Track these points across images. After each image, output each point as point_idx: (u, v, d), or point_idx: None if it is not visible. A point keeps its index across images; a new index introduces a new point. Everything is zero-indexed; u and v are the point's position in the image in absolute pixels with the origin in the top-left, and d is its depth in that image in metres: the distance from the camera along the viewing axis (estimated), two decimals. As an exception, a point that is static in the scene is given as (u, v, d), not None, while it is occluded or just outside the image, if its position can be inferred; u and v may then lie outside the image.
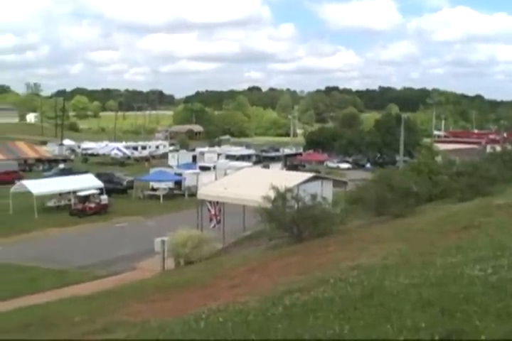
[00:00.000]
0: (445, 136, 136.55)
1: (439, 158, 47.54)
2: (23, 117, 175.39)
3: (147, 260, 31.13)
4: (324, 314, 8.22)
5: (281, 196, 24.84)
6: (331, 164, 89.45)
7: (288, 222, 23.96)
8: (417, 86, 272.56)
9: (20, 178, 57.32)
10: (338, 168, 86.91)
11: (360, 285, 10.06)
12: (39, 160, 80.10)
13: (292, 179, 31.75)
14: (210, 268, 22.28)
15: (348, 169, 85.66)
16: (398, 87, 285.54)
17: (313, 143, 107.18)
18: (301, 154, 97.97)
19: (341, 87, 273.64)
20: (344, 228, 24.79)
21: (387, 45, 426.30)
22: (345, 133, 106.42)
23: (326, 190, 32.74)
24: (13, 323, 17.37)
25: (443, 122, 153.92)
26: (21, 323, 16.69)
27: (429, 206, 31.22)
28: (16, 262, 31.85)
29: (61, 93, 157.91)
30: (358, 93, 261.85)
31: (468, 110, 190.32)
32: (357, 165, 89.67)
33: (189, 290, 16.45)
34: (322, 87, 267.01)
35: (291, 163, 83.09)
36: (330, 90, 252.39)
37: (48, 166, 76.80)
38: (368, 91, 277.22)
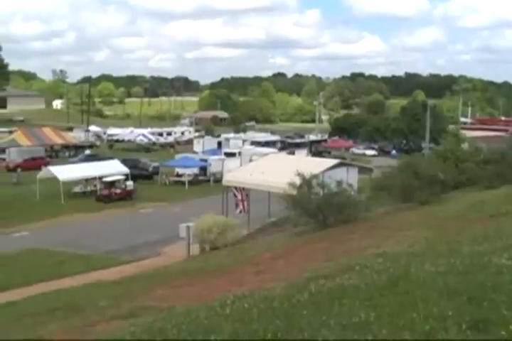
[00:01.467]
0: (472, 123, 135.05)
1: (465, 145, 47.09)
2: (49, 104, 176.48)
3: (172, 246, 31.29)
4: (350, 301, 8.19)
5: (307, 182, 24.79)
6: (356, 151, 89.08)
7: (313, 209, 23.92)
8: (443, 72, 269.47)
9: (47, 164, 57.84)
10: (363, 154, 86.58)
11: (385, 272, 10.01)
12: (65, 146, 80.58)
13: (317, 165, 31.68)
14: (235, 254, 22.33)
15: (374, 156, 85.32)
16: (424, 73, 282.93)
17: (339, 129, 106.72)
18: (326, 141, 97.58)
19: (367, 73, 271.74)
20: (369, 215, 24.72)
21: (413, 31, 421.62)
22: (371, 120, 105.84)
23: (351, 177, 32.59)
24: (40, 307, 17.59)
25: (470, 109, 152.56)
26: (48, 307, 16.89)
27: (455, 194, 30.99)
28: (43, 247, 32.21)
29: (87, 79, 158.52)
30: (384, 79, 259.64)
31: (495, 97, 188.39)
32: (382, 152, 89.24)
33: (214, 276, 16.51)
34: (347, 74, 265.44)
35: (317, 150, 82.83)
36: (355, 76, 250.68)
37: (74, 152, 77.32)
38: (393, 77, 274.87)
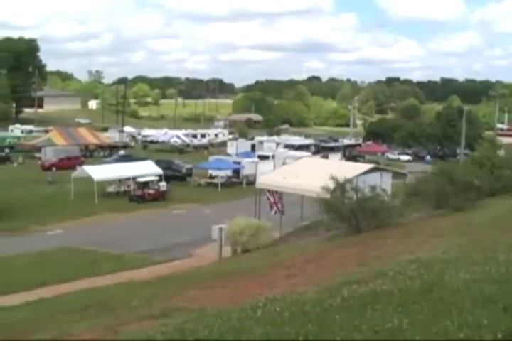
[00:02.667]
0: (508, 129, 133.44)
1: (501, 152, 46.49)
2: (85, 104, 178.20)
3: (204, 247, 31.38)
4: (382, 307, 8.14)
5: (341, 187, 24.69)
6: (391, 156, 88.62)
7: (346, 213, 23.80)
8: (479, 78, 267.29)
9: (82, 164, 58.40)
10: (398, 159, 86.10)
11: (419, 279, 9.93)
12: (100, 147, 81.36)
13: (351, 170, 31.56)
14: (266, 257, 22.30)
15: (409, 161, 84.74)
16: (460, 78, 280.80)
17: (373, 134, 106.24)
18: (360, 145, 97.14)
19: (402, 77, 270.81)
20: (403, 220, 24.51)
21: (450, 35, 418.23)
22: (406, 125, 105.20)
23: (384, 182, 32.41)
24: (73, 305, 17.74)
25: (506, 115, 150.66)
26: (81, 305, 17.01)
27: (491, 201, 30.57)
28: (76, 245, 32.53)
29: (122, 80, 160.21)
30: (419, 84, 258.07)
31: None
32: (417, 158, 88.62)
33: (246, 279, 16.50)
34: (383, 78, 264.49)
35: (350, 154, 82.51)
36: (391, 81, 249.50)
37: (109, 152, 77.94)
38: (429, 82, 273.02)
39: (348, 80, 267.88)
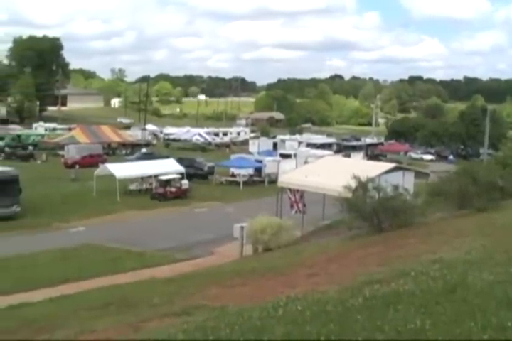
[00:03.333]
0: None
1: (526, 152, 46.02)
2: (107, 102, 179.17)
3: (225, 245, 31.40)
4: (405, 307, 8.10)
5: (363, 186, 24.58)
6: (414, 155, 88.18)
7: (368, 212, 23.68)
8: (504, 77, 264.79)
9: (104, 161, 58.74)
10: (421, 159, 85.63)
11: (442, 279, 9.86)
12: (122, 144, 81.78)
13: (373, 169, 31.42)
14: (288, 256, 22.27)
15: (432, 161, 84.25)
16: (484, 77, 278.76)
17: (395, 133, 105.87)
18: (382, 144, 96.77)
19: (425, 76, 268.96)
20: (425, 220, 24.34)
21: (474, 34, 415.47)
22: (428, 124, 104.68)
23: (407, 181, 32.25)
24: (95, 301, 17.85)
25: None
26: (102, 302, 17.12)
27: (514, 201, 30.32)
28: (98, 243, 32.73)
29: (145, 79, 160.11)
30: (443, 83, 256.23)
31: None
32: (439, 157, 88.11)
33: (267, 277, 16.48)
34: (405, 77, 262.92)
35: (373, 153, 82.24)
36: (413, 80, 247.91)
37: (131, 150, 78.33)
38: (452, 81, 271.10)
39: (371, 79, 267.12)
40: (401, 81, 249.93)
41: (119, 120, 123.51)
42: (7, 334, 14.68)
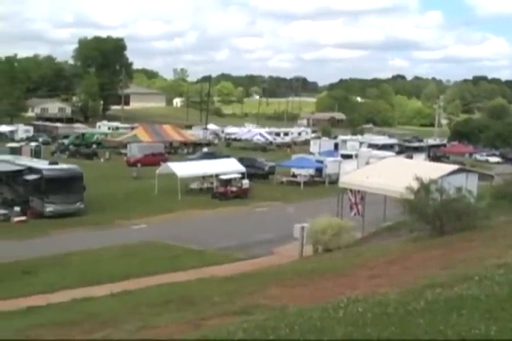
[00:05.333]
0: None
1: None
2: (170, 102, 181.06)
3: (286, 245, 31.36)
4: (468, 312, 7.95)
5: (425, 187, 24.26)
6: (479, 157, 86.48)
7: (430, 215, 23.36)
8: None
9: (166, 160, 59.36)
10: (487, 161, 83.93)
11: (507, 284, 9.64)
12: (184, 144, 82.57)
13: (436, 170, 30.93)
14: (348, 257, 22.13)
15: (498, 163, 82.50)
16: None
17: (459, 134, 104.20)
18: (445, 145, 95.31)
19: (490, 76, 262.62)
20: (489, 223, 23.86)
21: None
22: (493, 125, 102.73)
23: (470, 183, 31.63)
24: (155, 298, 18.05)
25: None
26: (163, 299, 17.29)
27: None
28: (159, 240, 33.09)
29: (206, 78, 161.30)
30: (508, 83, 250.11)
31: None
32: (504, 159, 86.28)
33: (327, 278, 16.41)
34: (469, 77, 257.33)
35: (435, 154, 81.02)
36: (477, 80, 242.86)
37: (192, 149, 79.02)
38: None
39: (434, 79, 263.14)
40: (465, 81, 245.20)
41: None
42: (72, 326, 14.99)
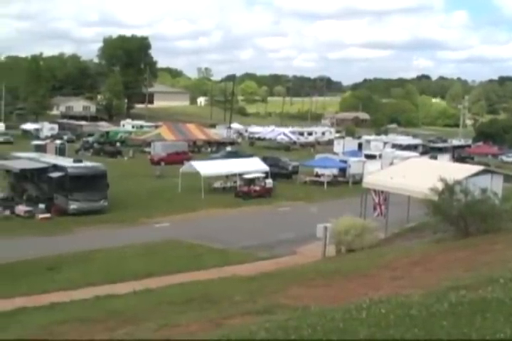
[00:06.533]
0: None
1: None
2: (193, 100, 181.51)
3: (308, 245, 31.30)
4: (493, 315, 7.85)
5: (450, 188, 24.08)
6: (506, 158, 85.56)
7: (455, 216, 23.20)
8: None
9: (190, 159, 59.50)
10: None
11: (533, 288, 9.56)
12: (207, 143, 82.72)
13: (461, 171, 30.70)
14: (371, 258, 22.05)
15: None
16: None
17: (483, 135, 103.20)
18: (469, 146, 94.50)
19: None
20: (514, 226, 23.68)
21: None
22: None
23: (495, 185, 31.33)
24: (177, 296, 18.14)
25: None
26: (185, 297, 17.38)
27: None
28: (181, 239, 33.15)
29: (231, 78, 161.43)
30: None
31: None
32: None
33: (350, 279, 16.37)
34: (495, 77, 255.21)
35: (459, 155, 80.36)
36: (503, 80, 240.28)
37: (216, 148, 79.11)
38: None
39: (459, 79, 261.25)
40: (490, 81, 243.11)
41: None
42: (95, 323, 15.11)
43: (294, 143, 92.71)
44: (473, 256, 17.13)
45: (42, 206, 38.55)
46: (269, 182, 48.54)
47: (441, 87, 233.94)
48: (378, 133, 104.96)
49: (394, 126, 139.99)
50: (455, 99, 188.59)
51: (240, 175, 48.72)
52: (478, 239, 21.29)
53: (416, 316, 8.40)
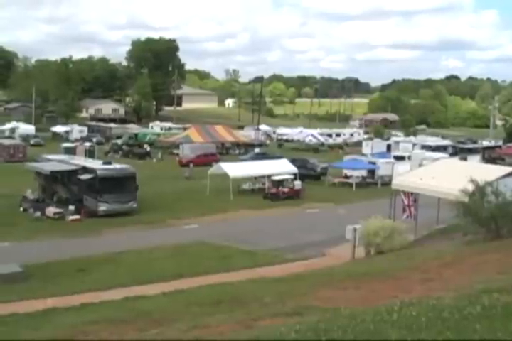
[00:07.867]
0: None
1: None
2: (221, 102, 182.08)
3: (337, 247, 31.14)
4: (528, 319, 7.75)
5: (480, 190, 23.82)
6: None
7: (486, 218, 22.93)
8: None
9: (218, 161, 59.70)
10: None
11: None
12: (236, 144, 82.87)
13: (491, 173, 30.35)
14: (401, 260, 21.89)
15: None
16: None
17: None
18: (500, 147, 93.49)
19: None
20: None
21: None
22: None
23: (527, 186, 30.97)
24: (206, 298, 18.12)
25: None
26: (214, 298, 17.35)
27: None
28: (210, 240, 33.18)
29: (258, 79, 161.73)
30: None
31: None
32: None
33: (380, 281, 16.24)
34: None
35: (490, 156, 79.52)
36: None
37: (244, 150, 79.28)
38: None
39: (489, 79, 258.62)
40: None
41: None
42: (125, 324, 15.17)
43: (323, 144, 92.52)
44: (505, 259, 16.90)
45: (72, 208, 38.92)
46: (298, 183, 48.45)
47: (471, 87, 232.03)
48: (407, 135, 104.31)
49: (423, 127, 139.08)
50: (485, 99, 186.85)
51: (269, 176, 48.71)
52: (509, 241, 21.03)
53: (448, 319, 8.29)
